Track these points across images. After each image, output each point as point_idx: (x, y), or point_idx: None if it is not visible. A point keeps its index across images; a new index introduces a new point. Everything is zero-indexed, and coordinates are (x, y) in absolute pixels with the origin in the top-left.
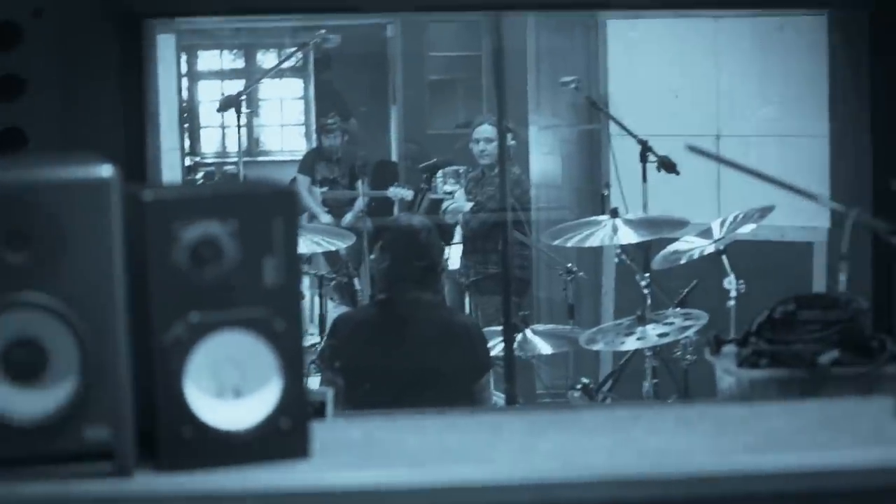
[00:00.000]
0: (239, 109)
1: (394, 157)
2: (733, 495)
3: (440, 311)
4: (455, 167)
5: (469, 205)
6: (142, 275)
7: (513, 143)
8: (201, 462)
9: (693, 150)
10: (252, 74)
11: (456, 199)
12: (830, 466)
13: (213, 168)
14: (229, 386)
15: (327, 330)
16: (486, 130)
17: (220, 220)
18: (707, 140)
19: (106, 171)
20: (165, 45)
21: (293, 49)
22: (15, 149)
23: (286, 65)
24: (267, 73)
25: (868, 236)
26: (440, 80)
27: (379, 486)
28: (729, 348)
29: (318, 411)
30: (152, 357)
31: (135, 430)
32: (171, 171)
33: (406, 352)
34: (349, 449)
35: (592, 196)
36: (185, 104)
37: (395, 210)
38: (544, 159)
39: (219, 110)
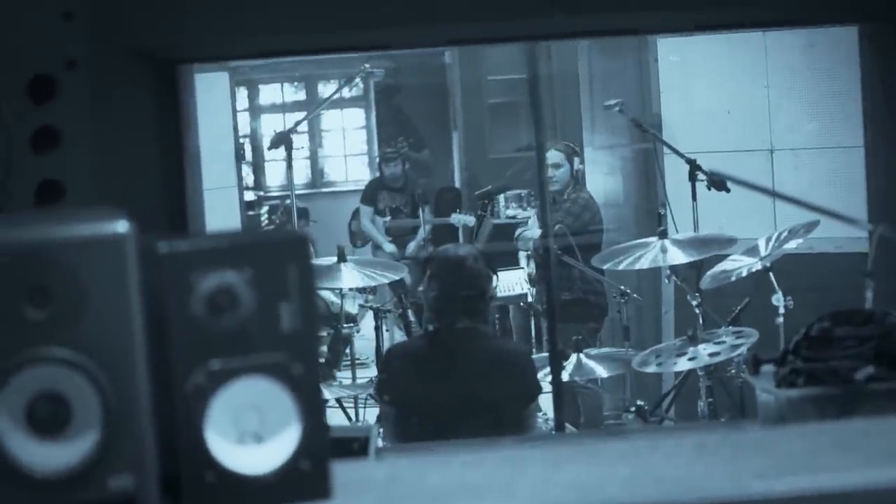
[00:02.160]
0: (290, 146)
1: (456, 184)
2: None
3: (489, 340)
4: (517, 191)
5: (539, 231)
6: (161, 325)
7: (580, 167)
8: None
9: (713, 174)
10: (311, 105)
11: (529, 225)
12: (841, 488)
13: (277, 202)
14: (249, 431)
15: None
16: (553, 156)
17: (235, 269)
18: (761, 155)
19: (122, 226)
20: (219, 82)
21: (344, 81)
22: (53, 201)
23: (346, 95)
24: (311, 112)
25: None
26: (500, 104)
27: None
28: (767, 367)
29: (363, 448)
30: (174, 405)
31: (158, 476)
32: (230, 207)
33: (455, 382)
34: (372, 490)
35: (650, 214)
36: (245, 139)
37: (460, 237)
38: (605, 179)
39: (269, 148)
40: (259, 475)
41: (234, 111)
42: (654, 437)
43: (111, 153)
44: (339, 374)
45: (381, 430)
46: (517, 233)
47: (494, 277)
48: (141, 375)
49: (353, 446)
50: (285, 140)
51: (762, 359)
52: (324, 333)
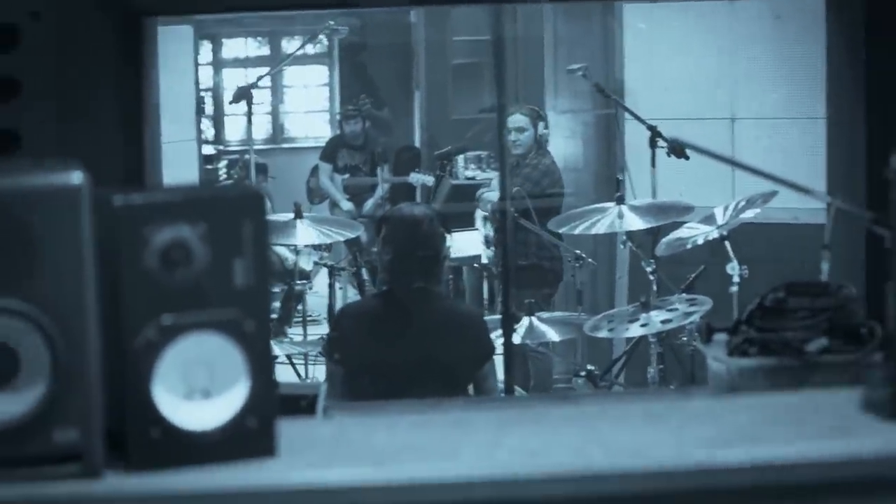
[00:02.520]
0: (251, 101)
1: (417, 144)
2: (690, 489)
3: (442, 301)
4: (477, 153)
5: (493, 194)
6: (114, 279)
7: (545, 132)
8: (169, 462)
9: (674, 141)
10: (275, 60)
11: (492, 187)
12: (785, 460)
13: (236, 156)
14: (198, 387)
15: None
16: (517, 120)
17: (189, 224)
18: (722, 123)
19: (76, 177)
20: (183, 36)
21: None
22: (8, 151)
23: (310, 52)
24: (274, 68)
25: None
26: (464, 65)
27: (339, 484)
28: (720, 336)
29: (310, 406)
30: (123, 359)
31: (105, 431)
32: (188, 160)
33: (409, 342)
34: (317, 448)
35: (609, 180)
36: (207, 93)
37: (418, 196)
38: (566, 143)
39: (231, 102)
40: (205, 431)
41: (197, 65)
42: (602, 402)
43: (71, 105)
44: (290, 330)
45: (327, 388)
46: (478, 193)
47: (448, 238)
48: (92, 329)
49: (301, 404)
50: (246, 95)
51: (715, 327)
52: (277, 289)
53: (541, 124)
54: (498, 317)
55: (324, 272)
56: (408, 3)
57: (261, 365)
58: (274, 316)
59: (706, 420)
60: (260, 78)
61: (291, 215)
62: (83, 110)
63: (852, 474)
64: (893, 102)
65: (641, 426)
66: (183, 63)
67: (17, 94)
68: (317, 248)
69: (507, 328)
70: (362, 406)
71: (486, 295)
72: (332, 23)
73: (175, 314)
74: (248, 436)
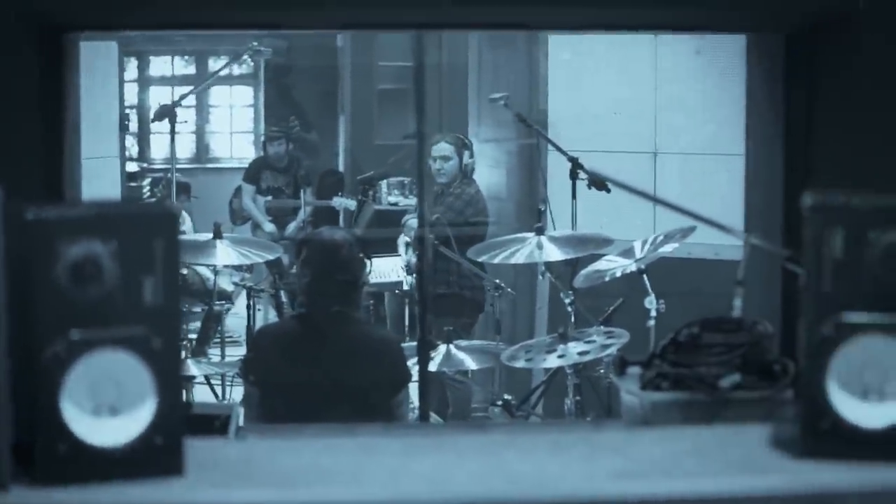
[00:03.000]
0: (174, 119)
1: (341, 168)
2: None
3: (360, 326)
4: (400, 178)
5: (416, 221)
6: (24, 292)
7: (470, 160)
8: (76, 477)
9: (594, 174)
10: (200, 80)
11: (415, 213)
12: (694, 494)
13: (160, 174)
14: (106, 403)
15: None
16: (443, 149)
17: (101, 240)
18: (645, 157)
19: None
20: (107, 52)
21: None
22: None
23: (235, 72)
24: (198, 87)
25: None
26: (389, 90)
27: None
28: (634, 370)
29: (223, 426)
30: (32, 374)
31: (14, 445)
32: (112, 177)
33: (324, 366)
34: (224, 468)
35: (532, 210)
36: (132, 110)
37: (341, 220)
38: (490, 172)
39: (153, 120)
40: (112, 448)
41: (122, 81)
42: (512, 432)
43: None
44: (210, 350)
45: (244, 410)
46: (404, 219)
47: (368, 263)
48: None
49: (215, 424)
50: (169, 113)
51: (629, 360)
52: (197, 309)
53: (466, 153)
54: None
55: (245, 294)
56: (333, 26)
57: (169, 383)
58: (193, 336)
59: (613, 452)
60: (183, 96)
61: (211, 235)
62: (2, 123)
63: None
64: (810, 141)
65: (548, 456)
66: (107, 80)
67: None
68: (238, 268)
69: (423, 355)
70: (275, 428)
71: (406, 321)
72: (255, 43)
73: (84, 330)
74: (155, 453)
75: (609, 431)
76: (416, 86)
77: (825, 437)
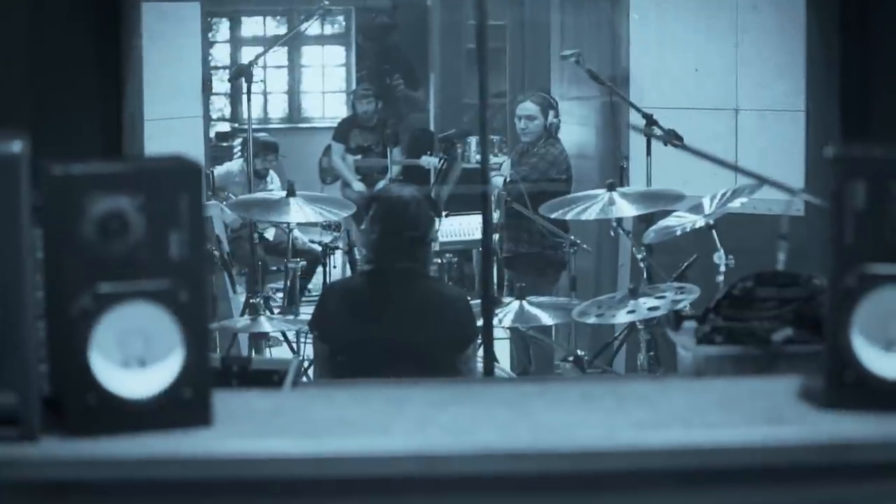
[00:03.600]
0: (249, 78)
1: (431, 126)
2: (615, 470)
3: (427, 282)
4: (491, 137)
5: (501, 179)
6: (52, 247)
7: (555, 120)
8: (105, 428)
9: (635, 130)
10: (293, 41)
11: (502, 170)
12: (704, 443)
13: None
14: (135, 356)
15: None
16: (527, 108)
17: (127, 195)
18: (725, 114)
19: (16, 146)
20: (190, 14)
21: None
22: None
23: (327, 32)
24: (271, 45)
25: None
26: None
27: (265, 454)
28: (689, 324)
29: (281, 381)
30: (61, 327)
31: (44, 397)
32: (193, 137)
33: (391, 322)
34: (253, 419)
35: (615, 168)
36: (221, 71)
37: (432, 178)
38: (576, 130)
39: (229, 80)
40: (140, 399)
41: (205, 42)
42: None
43: (46, 76)
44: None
45: (314, 366)
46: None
47: (437, 221)
48: (27, 295)
49: (273, 378)
50: (245, 72)
51: (684, 315)
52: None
53: (551, 112)
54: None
55: (339, 253)
56: None
57: (196, 336)
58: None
59: (639, 403)
60: (258, 56)
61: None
62: (60, 83)
63: (775, 460)
64: (868, 96)
65: (575, 407)
66: (190, 41)
67: None
68: (327, 227)
69: (488, 311)
70: (330, 384)
71: (495, 280)
72: (326, 2)
73: (111, 283)
74: (183, 405)
75: (639, 383)
76: (478, 44)
77: (849, 388)
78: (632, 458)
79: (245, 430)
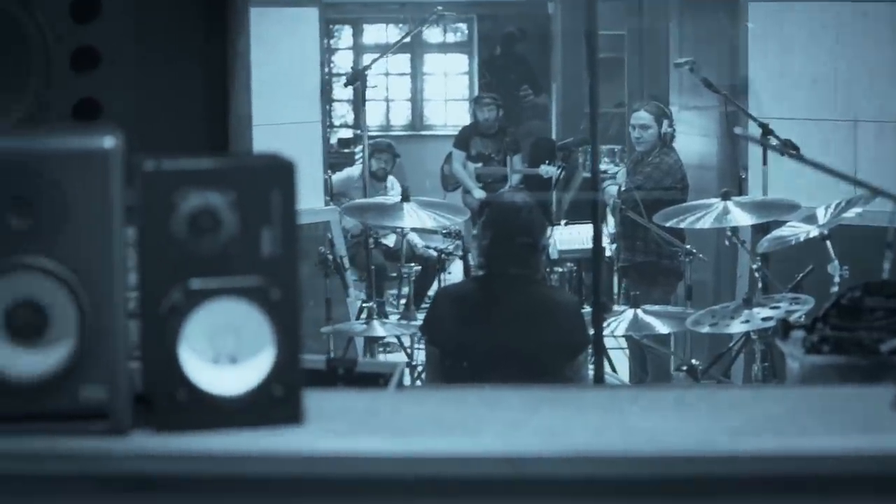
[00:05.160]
0: (364, 83)
1: (553, 135)
2: (705, 476)
3: (539, 288)
4: (611, 146)
5: (616, 188)
6: (144, 243)
7: (669, 129)
8: (194, 424)
9: (742, 136)
10: (416, 48)
11: (617, 179)
12: (803, 452)
13: (372, 140)
14: (225, 352)
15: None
16: (641, 117)
17: (219, 191)
18: (845, 125)
19: (109, 141)
20: (309, 19)
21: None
22: (89, 119)
23: (450, 40)
24: (388, 50)
25: None
26: (601, 59)
27: (355, 453)
28: (797, 333)
29: (386, 384)
30: (152, 322)
31: (137, 394)
32: (309, 142)
33: (501, 328)
34: (345, 418)
35: (734, 178)
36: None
37: (552, 187)
38: (695, 141)
39: (345, 85)
40: (230, 396)
41: (323, 48)
42: (639, 389)
43: (153, 76)
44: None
45: (427, 370)
46: (603, 185)
47: (549, 229)
48: (119, 290)
49: (379, 381)
50: (359, 77)
51: (793, 324)
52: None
53: (665, 121)
54: (622, 308)
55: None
56: None
57: (287, 333)
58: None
59: (733, 410)
60: (374, 61)
61: (399, 198)
62: (164, 82)
63: (869, 468)
64: None
65: (669, 413)
66: (308, 46)
67: (97, 63)
68: (448, 235)
69: (598, 318)
70: (436, 388)
71: (615, 289)
72: (439, 8)
73: (201, 280)
74: (274, 403)
75: (735, 390)
76: (588, 54)
77: None
78: (723, 464)
79: (335, 429)
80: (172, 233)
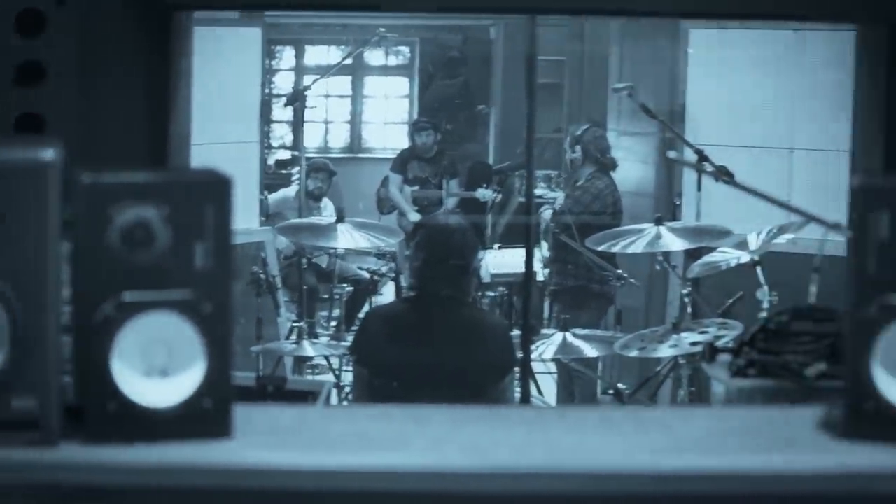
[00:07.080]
0: (303, 105)
1: (490, 159)
2: (627, 493)
3: (469, 311)
4: (547, 172)
5: (550, 213)
6: (78, 255)
7: (609, 156)
8: (125, 436)
9: (676, 161)
10: (357, 70)
11: (555, 204)
12: (725, 470)
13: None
14: (157, 365)
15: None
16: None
17: (153, 205)
18: (780, 153)
19: (47, 154)
20: (251, 39)
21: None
22: (32, 133)
23: (391, 63)
24: (327, 73)
25: None
26: (540, 84)
27: (280, 466)
28: (723, 357)
29: (314, 401)
30: (84, 334)
31: (66, 404)
32: (250, 162)
33: (431, 349)
34: (273, 433)
35: (669, 204)
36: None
37: (487, 211)
38: (639, 167)
39: (285, 105)
40: (161, 409)
41: (264, 68)
42: (565, 409)
43: (96, 92)
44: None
45: (354, 390)
46: (539, 210)
47: (482, 251)
48: (52, 301)
49: (307, 399)
50: (299, 98)
51: (718, 348)
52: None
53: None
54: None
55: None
56: (429, 9)
57: (218, 347)
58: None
59: (658, 428)
60: (314, 81)
61: (334, 218)
62: (108, 99)
63: (789, 487)
64: None
65: (593, 431)
66: (250, 67)
67: (41, 78)
68: (381, 257)
69: (525, 341)
70: (369, 407)
71: (545, 313)
72: (382, 29)
73: (134, 292)
74: (204, 416)
75: (659, 410)
76: (528, 76)
77: (868, 418)
78: (645, 481)
79: (263, 443)
80: (107, 246)
